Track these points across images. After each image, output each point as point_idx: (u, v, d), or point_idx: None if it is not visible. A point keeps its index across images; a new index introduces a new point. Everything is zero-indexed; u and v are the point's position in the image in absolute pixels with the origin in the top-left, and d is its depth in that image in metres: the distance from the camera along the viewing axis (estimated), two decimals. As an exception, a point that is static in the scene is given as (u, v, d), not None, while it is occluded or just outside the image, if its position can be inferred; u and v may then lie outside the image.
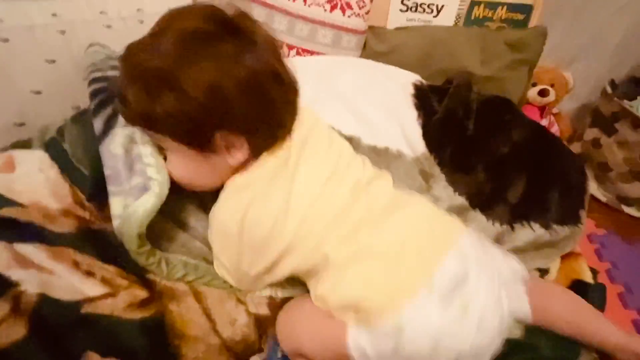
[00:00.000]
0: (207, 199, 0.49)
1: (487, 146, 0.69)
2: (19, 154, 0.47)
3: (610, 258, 0.79)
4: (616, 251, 0.81)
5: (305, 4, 0.87)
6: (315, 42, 0.90)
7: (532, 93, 1.22)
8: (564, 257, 0.63)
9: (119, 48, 0.74)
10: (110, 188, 0.42)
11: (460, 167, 0.67)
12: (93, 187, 0.44)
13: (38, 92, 0.62)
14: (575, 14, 1.18)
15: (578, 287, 0.59)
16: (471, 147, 0.69)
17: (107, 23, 0.74)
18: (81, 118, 0.50)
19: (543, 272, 0.63)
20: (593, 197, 1.06)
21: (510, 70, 0.82)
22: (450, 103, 0.72)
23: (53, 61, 0.63)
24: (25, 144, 0.48)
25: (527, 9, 0.85)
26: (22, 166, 0.45)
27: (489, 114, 0.73)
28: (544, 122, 1.24)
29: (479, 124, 0.71)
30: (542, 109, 1.24)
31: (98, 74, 0.51)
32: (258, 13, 0.93)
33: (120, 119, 0.44)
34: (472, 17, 0.89)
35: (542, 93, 1.19)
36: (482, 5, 0.87)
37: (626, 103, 0.99)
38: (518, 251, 0.60)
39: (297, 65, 0.80)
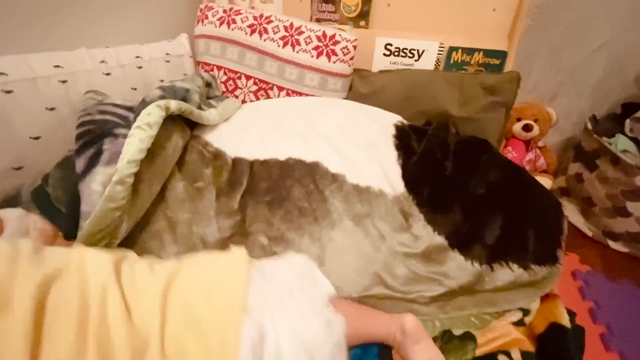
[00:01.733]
0: None
1: (463, 187, 0.71)
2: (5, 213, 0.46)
3: (593, 296, 0.79)
4: (600, 289, 0.81)
5: (293, 51, 0.93)
6: (304, 85, 0.95)
7: (517, 128, 1.26)
8: (542, 299, 0.64)
9: (116, 93, 0.80)
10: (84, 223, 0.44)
11: (438, 208, 0.69)
12: (69, 224, 0.46)
13: (37, 138, 0.65)
14: (553, 53, 1.25)
15: (555, 330, 0.59)
16: (448, 188, 0.71)
17: (107, 71, 0.79)
18: (64, 163, 0.54)
19: (525, 312, 0.63)
20: (579, 231, 1.07)
21: (487, 112, 0.85)
22: (428, 145, 0.75)
23: (53, 108, 0.68)
24: (15, 197, 0.51)
25: (502, 55, 0.90)
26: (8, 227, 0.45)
27: (466, 155, 0.75)
28: (530, 156, 1.27)
29: (457, 164, 0.74)
30: (528, 143, 1.28)
31: (87, 118, 0.55)
32: (250, 57, 1.00)
33: (103, 158, 0.47)
34: (452, 61, 0.95)
35: (526, 128, 1.23)
36: (459, 51, 0.93)
37: (605, 140, 1.02)
38: (500, 291, 0.61)
39: (287, 105, 0.86)
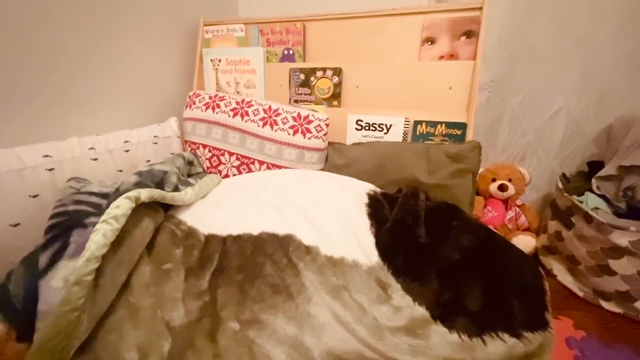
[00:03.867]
0: None
1: (437, 253, 0.71)
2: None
3: (590, 367, 0.74)
4: (597, 358, 0.76)
5: (272, 130, 1.02)
6: (283, 159, 1.02)
7: (493, 188, 1.30)
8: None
9: (103, 176, 0.84)
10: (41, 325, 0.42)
11: (414, 276, 0.68)
12: (23, 326, 0.44)
13: (16, 225, 0.67)
14: (515, 119, 1.35)
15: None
16: (422, 255, 0.71)
17: (95, 156, 0.85)
18: (29, 258, 0.54)
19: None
20: (570, 292, 1.04)
21: (455, 179, 0.90)
22: (399, 213, 0.77)
23: (36, 195, 0.71)
24: None
25: (463, 126, 0.98)
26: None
27: (436, 221, 0.77)
28: (510, 214, 1.29)
29: (429, 231, 0.75)
30: (506, 202, 1.31)
31: (60, 209, 0.56)
32: (233, 136, 1.07)
33: (68, 251, 0.47)
34: (418, 133, 1.03)
35: (502, 188, 1.28)
36: (424, 124, 1.01)
37: (576, 198, 1.05)
38: None
39: (263, 178, 0.91)
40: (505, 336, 0.58)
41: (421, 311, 0.62)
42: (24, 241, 0.66)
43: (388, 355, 0.55)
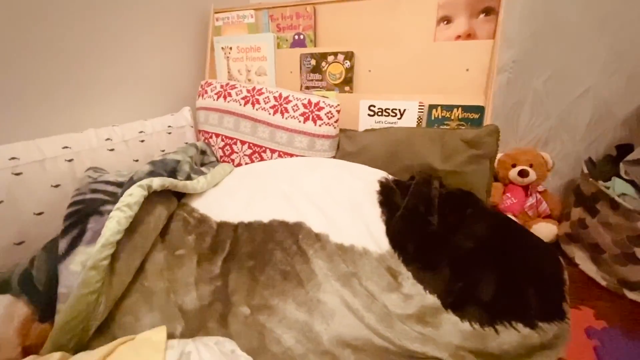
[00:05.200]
0: None
1: (450, 242, 0.70)
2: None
3: (611, 359, 0.71)
4: (618, 350, 0.73)
5: (282, 117, 1.01)
6: (294, 147, 1.01)
7: (513, 174, 1.26)
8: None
9: (119, 166, 0.87)
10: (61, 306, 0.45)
11: (425, 265, 0.67)
12: (45, 307, 0.47)
13: (40, 214, 0.71)
14: (538, 101, 1.29)
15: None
16: (434, 243, 0.70)
17: (111, 147, 0.87)
18: (50, 244, 0.57)
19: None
20: (592, 281, 1.00)
21: (471, 165, 0.87)
22: (411, 200, 0.76)
23: (58, 185, 0.74)
24: (6, 281, 0.54)
25: (480, 109, 0.94)
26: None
27: (450, 209, 0.75)
28: (530, 201, 1.25)
29: (441, 219, 0.73)
30: (526, 188, 1.27)
31: (78, 197, 0.59)
32: (244, 125, 1.08)
33: (85, 238, 0.49)
34: (432, 118, 0.99)
35: (522, 174, 1.23)
36: (439, 108, 0.98)
37: (602, 184, 1.00)
38: (511, 358, 0.55)
39: (274, 166, 0.91)
40: (519, 326, 0.57)
41: (432, 299, 0.61)
42: (47, 229, 0.70)
43: (397, 342, 0.55)
